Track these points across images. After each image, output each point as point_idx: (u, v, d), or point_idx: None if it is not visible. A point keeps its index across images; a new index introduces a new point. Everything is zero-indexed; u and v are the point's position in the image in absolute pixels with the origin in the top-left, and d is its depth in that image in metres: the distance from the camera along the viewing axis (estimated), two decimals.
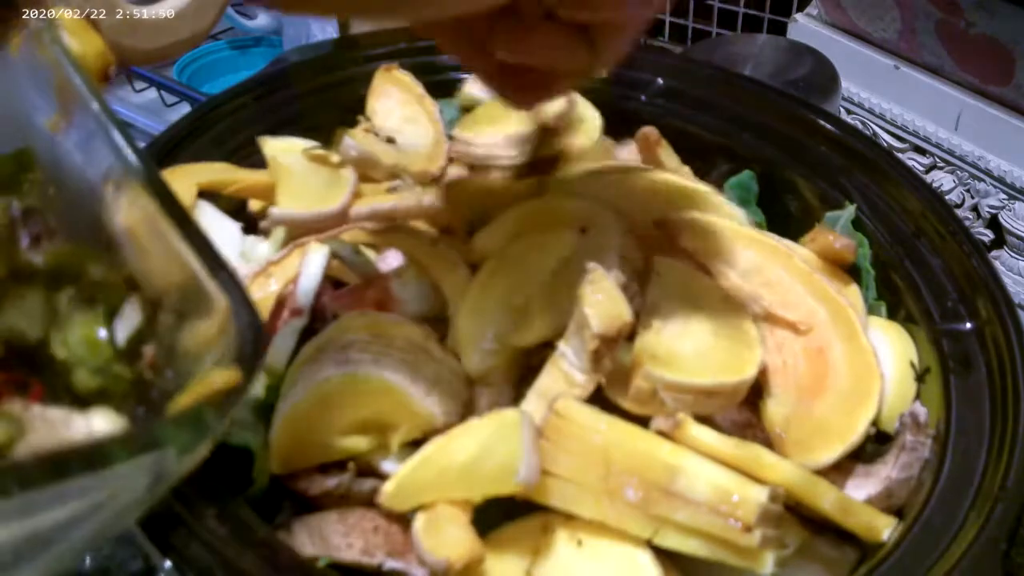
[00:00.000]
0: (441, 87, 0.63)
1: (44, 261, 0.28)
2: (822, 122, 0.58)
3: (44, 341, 0.27)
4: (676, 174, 0.54)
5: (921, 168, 0.96)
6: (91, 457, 0.21)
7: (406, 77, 0.61)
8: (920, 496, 0.41)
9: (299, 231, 0.51)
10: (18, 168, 0.31)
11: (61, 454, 0.21)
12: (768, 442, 0.43)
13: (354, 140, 0.55)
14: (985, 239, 0.93)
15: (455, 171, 0.57)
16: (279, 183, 0.52)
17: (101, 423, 0.25)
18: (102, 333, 0.27)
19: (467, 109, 0.63)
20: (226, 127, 0.57)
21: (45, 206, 0.30)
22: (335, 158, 0.55)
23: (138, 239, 0.29)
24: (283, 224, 0.51)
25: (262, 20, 1.27)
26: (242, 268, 0.50)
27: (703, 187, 0.52)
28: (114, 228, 0.30)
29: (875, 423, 0.44)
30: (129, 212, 0.29)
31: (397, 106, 0.60)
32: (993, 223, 0.94)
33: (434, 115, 0.60)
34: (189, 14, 0.56)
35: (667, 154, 0.59)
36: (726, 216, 0.51)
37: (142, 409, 0.27)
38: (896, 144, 0.98)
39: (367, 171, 0.56)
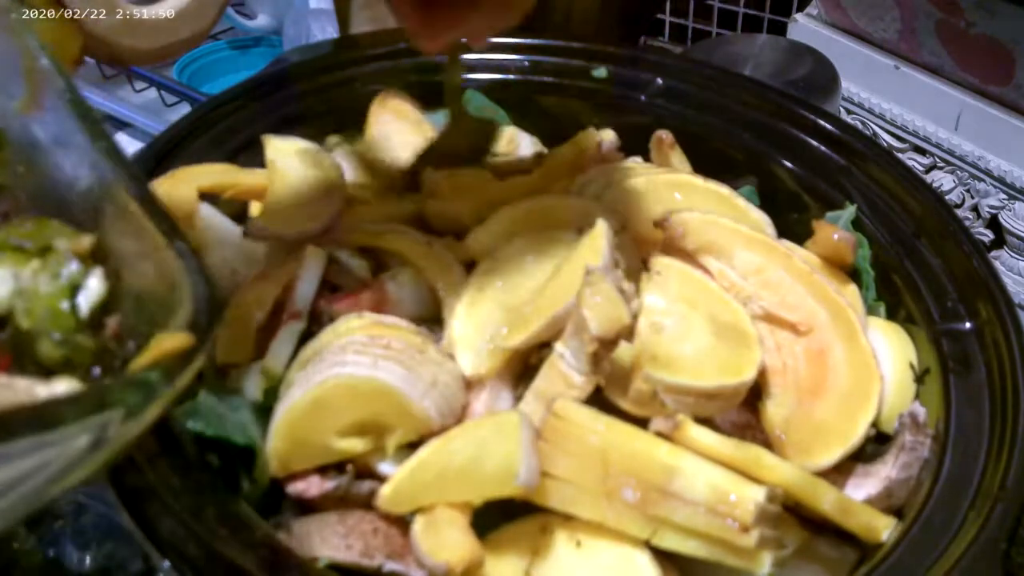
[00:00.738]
0: (441, 87, 0.63)
1: (11, 235, 0.29)
2: (822, 122, 0.58)
3: (10, 312, 0.28)
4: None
5: (921, 168, 0.96)
6: (37, 416, 0.21)
7: (401, 104, 0.61)
8: (920, 496, 0.41)
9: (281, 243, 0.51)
10: None
11: (9, 413, 0.21)
12: (767, 443, 0.43)
13: (343, 150, 0.55)
14: (985, 239, 0.93)
15: None
16: (270, 189, 0.52)
17: (63, 391, 0.25)
18: (65, 304, 0.28)
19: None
20: (226, 127, 0.57)
21: (15, 183, 0.31)
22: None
23: (105, 214, 0.30)
24: (263, 239, 0.50)
25: (262, 20, 1.28)
26: (241, 271, 0.50)
27: (725, 189, 0.53)
28: (82, 204, 0.30)
29: (875, 424, 0.44)
30: (96, 187, 0.30)
31: (395, 133, 0.60)
32: (993, 223, 0.94)
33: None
34: (189, 14, 0.55)
35: (679, 159, 0.59)
36: (750, 222, 0.51)
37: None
38: (896, 144, 0.98)
39: (365, 176, 0.56)
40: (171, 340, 0.25)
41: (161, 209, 0.29)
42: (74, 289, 0.28)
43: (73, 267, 0.29)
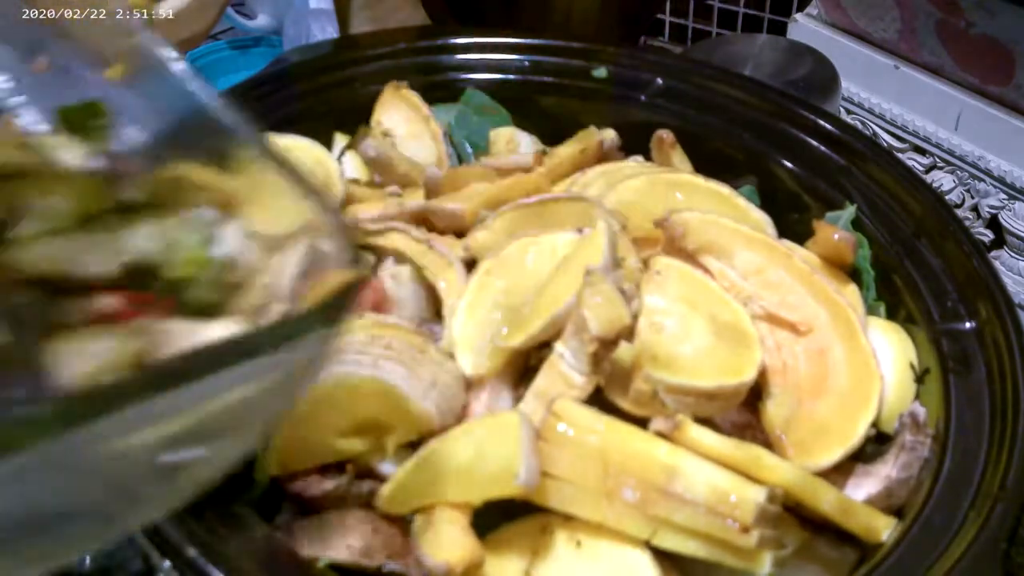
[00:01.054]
0: (441, 87, 0.63)
1: (144, 193, 0.31)
2: (822, 122, 0.58)
3: (158, 263, 0.29)
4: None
5: (921, 168, 0.96)
6: (236, 348, 0.24)
7: (414, 97, 0.61)
8: (920, 496, 0.41)
9: None
10: (90, 116, 0.33)
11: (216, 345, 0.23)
12: (767, 443, 0.43)
13: (374, 141, 0.55)
14: (985, 239, 0.93)
15: None
16: None
17: (222, 332, 0.27)
18: (209, 253, 0.30)
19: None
20: None
21: (122, 149, 0.33)
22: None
23: (223, 166, 0.31)
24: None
25: (262, 20, 1.28)
26: None
27: (725, 189, 0.53)
28: (196, 160, 0.32)
29: (875, 424, 0.44)
30: (207, 143, 0.32)
31: (402, 122, 0.61)
32: (993, 223, 0.94)
33: (438, 136, 0.60)
34: (189, 14, 0.56)
35: (680, 158, 0.59)
36: (751, 222, 0.51)
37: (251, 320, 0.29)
38: (896, 144, 0.98)
39: (380, 173, 0.56)
40: (341, 275, 0.27)
41: (277, 153, 0.30)
42: (214, 238, 0.30)
43: (210, 218, 0.30)
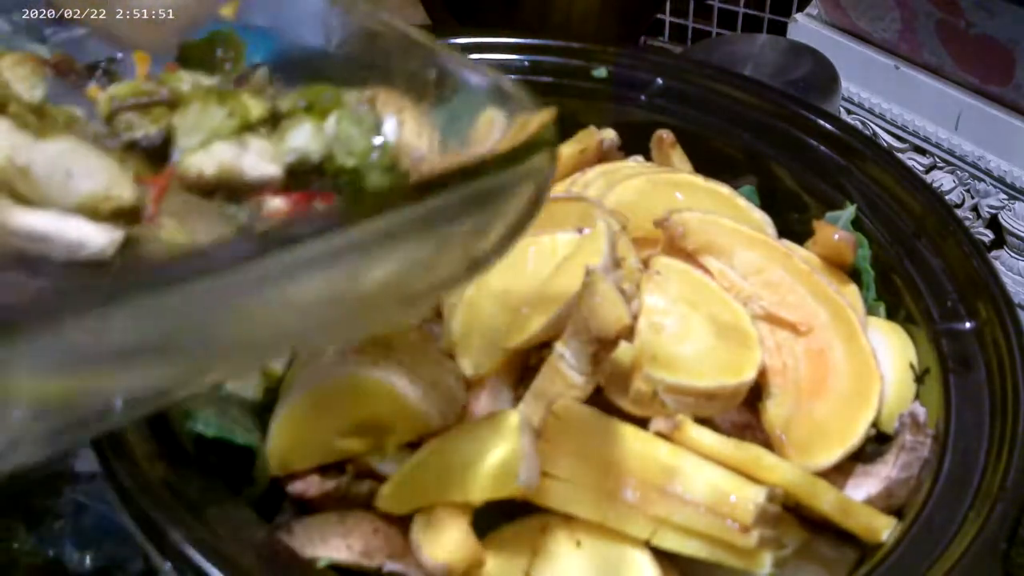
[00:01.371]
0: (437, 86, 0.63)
1: (300, 100, 0.32)
2: (822, 122, 0.58)
3: (328, 159, 0.31)
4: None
5: (921, 168, 0.96)
6: (475, 167, 0.26)
7: (403, 102, 0.61)
8: (920, 496, 0.41)
9: None
10: (212, 47, 0.35)
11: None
12: (767, 443, 0.43)
13: None
14: (985, 239, 0.93)
15: None
16: None
17: None
18: (377, 140, 0.32)
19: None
20: None
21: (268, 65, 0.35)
22: None
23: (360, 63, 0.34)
24: None
25: None
26: None
27: (725, 189, 0.53)
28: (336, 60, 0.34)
29: (875, 423, 0.44)
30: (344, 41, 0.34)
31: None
32: (993, 223, 0.93)
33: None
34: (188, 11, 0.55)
35: (680, 158, 0.59)
36: (751, 222, 0.51)
37: None
38: (896, 144, 0.98)
39: None
40: (536, 118, 0.28)
41: (418, 35, 0.33)
42: (378, 128, 0.32)
43: (368, 111, 0.32)
